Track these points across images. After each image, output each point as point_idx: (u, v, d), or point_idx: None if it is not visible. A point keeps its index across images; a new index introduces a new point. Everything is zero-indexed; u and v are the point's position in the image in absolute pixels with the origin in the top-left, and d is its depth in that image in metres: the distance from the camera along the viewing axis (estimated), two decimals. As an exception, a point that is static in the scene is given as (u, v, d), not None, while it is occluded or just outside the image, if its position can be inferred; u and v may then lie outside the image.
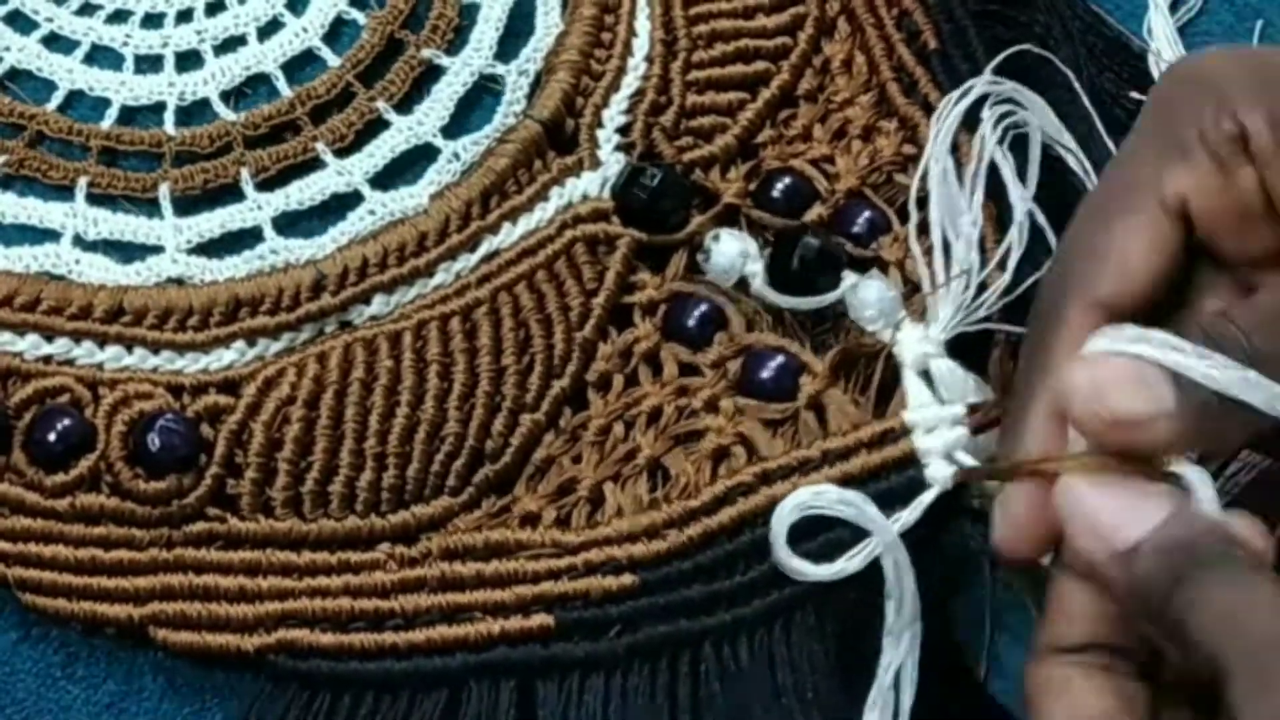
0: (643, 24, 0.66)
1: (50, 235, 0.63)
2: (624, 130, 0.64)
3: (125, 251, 0.63)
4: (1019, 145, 0.61)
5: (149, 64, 0.67)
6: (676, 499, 0.56)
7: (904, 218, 0.61)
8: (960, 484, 0.55)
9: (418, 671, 0.54)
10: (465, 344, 0.59)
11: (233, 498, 0.57)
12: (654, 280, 0.62)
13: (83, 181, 0.64)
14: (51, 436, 0.58)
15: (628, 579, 0.55)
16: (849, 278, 0.60)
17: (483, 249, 0.62)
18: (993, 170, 0.60)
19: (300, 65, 0.67)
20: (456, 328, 0.60)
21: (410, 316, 0.60)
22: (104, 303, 0.60)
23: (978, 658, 0.56)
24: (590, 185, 0.63)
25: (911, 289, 0.60)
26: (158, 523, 0.57)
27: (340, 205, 0.64)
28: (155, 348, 0.60)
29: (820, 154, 0.64)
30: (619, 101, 0.64)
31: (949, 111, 0.61)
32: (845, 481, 0.55)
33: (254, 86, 0.67)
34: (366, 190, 0.64)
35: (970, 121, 0.61)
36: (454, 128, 0.65)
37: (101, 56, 0.67)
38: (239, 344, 0.60)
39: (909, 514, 0.54)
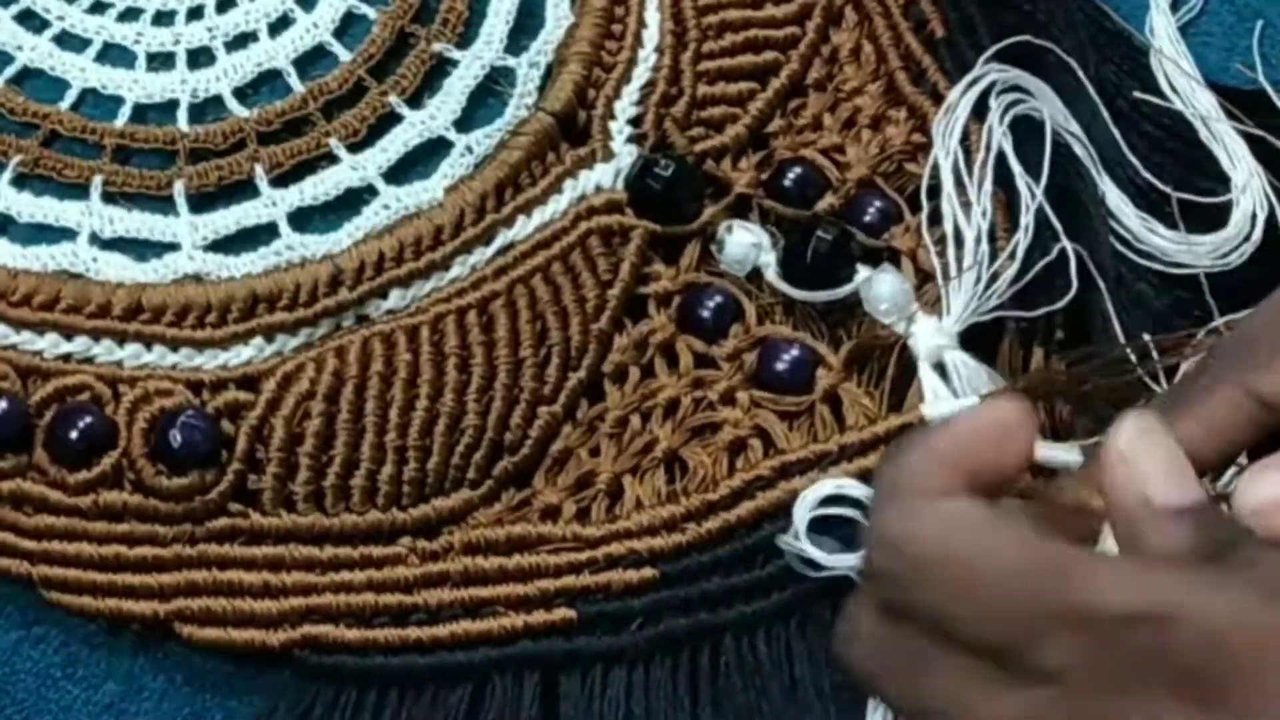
0: (652, 15, 0.66)
1: (67, 234, 0.63)
2: (636, 121, 0.64)
3: (141, 249, 0.63)
4: (1027, 133, 0.61)
5: (161, 62, 0.67)
6: (695, 492, 0.57)
7: (914, 207, 0.62)
8: None
9: (442, 666, 0.55)
10: (482, 337, 0.60)
11: (255, 493, 0.58)
12: (668, 271, 0.62)
13: (97, 180, 0.64)
14: (73, 434, 0.58)
15: (648, 572, 0.56)
16: (863, 271, 0.60)
17: (498, 242, 0.62)
18: (1001, 158, 0.61)
19: (312, 61, 0.67)
20: (473, 321, 0.60)
21: (427, 310, 0.60)
22: (122, 300, 0.60)
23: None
24: (603, 177, 0.63)
25: (923, 278, 0.61)
26: (181, 519, 0.57)
27: (354, 200, 0.64)
28: (174, 345, 0.60)
29: (831, 143, 0.64)
30: (630, 93, 0.65)
31: (957, 101, 0.61)
32: (863, 476, 0.55)
33: (266, 83, 0.67)
34: (380, 185, 0.64)
35: (978, 109, 0.61)
36: (466, 121, 0.66)
37: (113, 55, 0.67)
38: (257, 340, 0.60)
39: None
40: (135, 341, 0.60)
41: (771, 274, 0.61)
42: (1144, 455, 0.41)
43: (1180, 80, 0.65)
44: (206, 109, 0.66)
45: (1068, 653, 0.37)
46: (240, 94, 0.66)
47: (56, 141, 0.65)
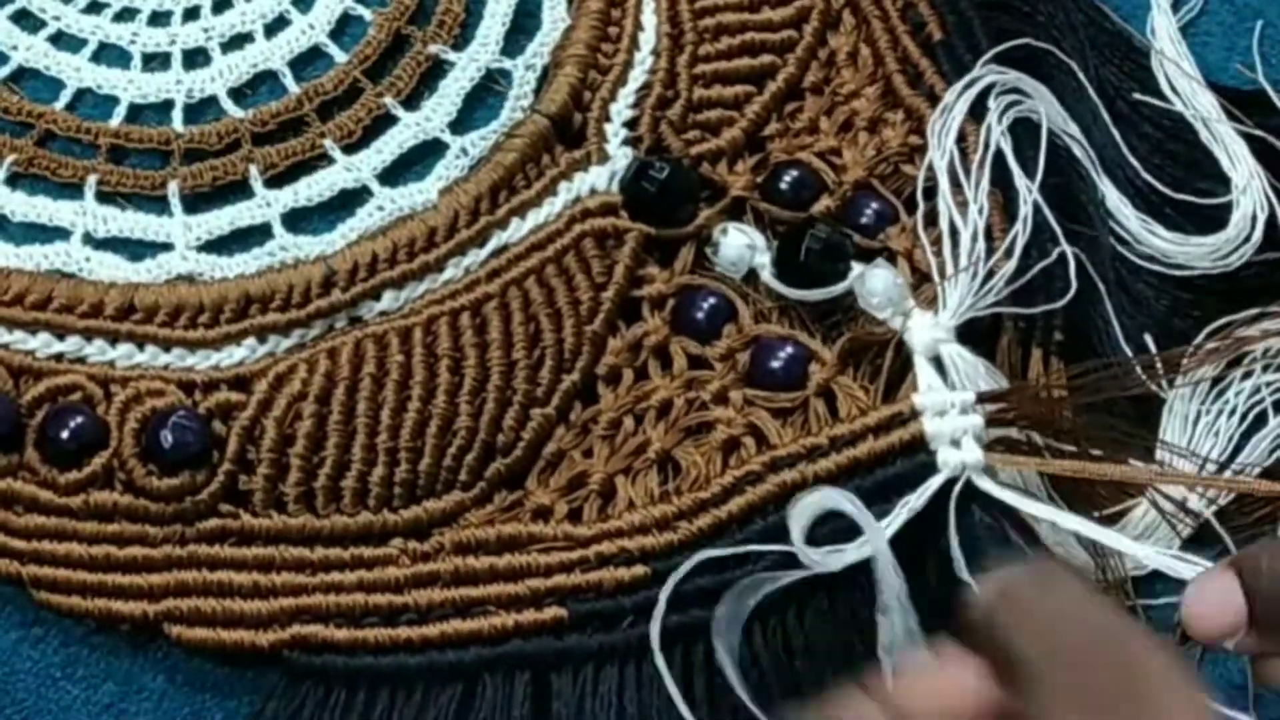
0: (649, 18, 0.66)
1: (60, 234, 0.63)
2: (631, 124, 0.64)
3: (135, 249, 0.63)
4: (1026, 135, 0.61)
5: (156, 62, 0.67)
6: (687, 491, 0.57)
7: (911, 208, 0.61)
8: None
9: (432, 666, 0.55)
10: (475, 339, 0.60)
11: (245, 494, 0.58)
12: (662, 274, 0.62)
13: (92, 179, 0.64)
14: (64, 434, 0.58)
15: (639, 570, 0.55)
16: (856, 268, 0.60)
17: (492, 244, 0.62)
18: (999, 158, 0.61)
19: (307, 62, 0.67)
20: (467, 323, 0.60)
21: (420, 312, 0.60)
22: (115, 300, 0.60)
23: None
24: (598, 179, 0.63)
25: (920, 278, 0.60)
26: (171, 519, 0.57)
27: (349, 201, 0.64)
28: (166, 345, 0.60)
29: (827, 146, 0.64)
30: (626, 95, 0.65)
31: (954, 103, 0.61)
32: (853, 467, 0.55)
33: (262, 83, 0.67)
34: (375, 186, 0.64)
35: (976, 111, 0.61)
36: (461, 123, 0.66)
37: (109, 55, 0.67)
38: (250, 341, 0.60)
39: (916, 499, 0.55)
40: (128, 341, 0.60)
41: (767, 275, 0.61)
42: None
43: (1181, 81, 0.65)
44: (201, 109, 0.66)
45: None
46: (235, 95, 0.67)
47: (51, 141, 0.65)
